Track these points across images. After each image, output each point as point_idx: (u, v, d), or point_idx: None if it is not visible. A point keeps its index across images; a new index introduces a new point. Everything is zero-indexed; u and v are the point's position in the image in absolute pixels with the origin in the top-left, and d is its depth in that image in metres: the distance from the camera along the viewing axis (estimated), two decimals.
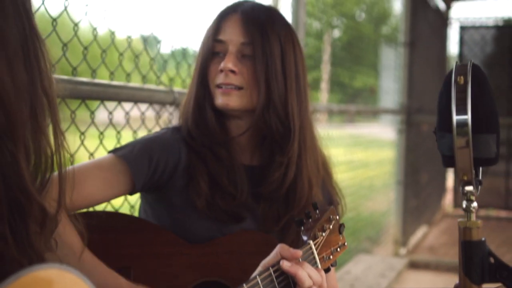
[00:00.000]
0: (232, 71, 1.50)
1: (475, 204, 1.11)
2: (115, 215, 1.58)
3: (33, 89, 0.84)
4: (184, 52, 2.48)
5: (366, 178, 5.39)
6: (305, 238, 1.35)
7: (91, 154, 1.89)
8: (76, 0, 1.79)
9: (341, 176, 2.44)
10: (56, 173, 0.90)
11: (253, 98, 1.52)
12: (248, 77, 1.51)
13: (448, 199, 8.47)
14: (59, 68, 1.70)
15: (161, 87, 2.23)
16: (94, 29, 1.92)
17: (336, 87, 4.85)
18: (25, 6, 0.86)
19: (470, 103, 1.09)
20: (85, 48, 1.87)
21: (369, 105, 5.73)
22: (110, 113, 2.00)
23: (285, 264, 1.26)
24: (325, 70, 4.77)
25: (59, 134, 0.88)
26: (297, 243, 1.36)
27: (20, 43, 0.84)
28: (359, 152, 5.05)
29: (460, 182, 1.09)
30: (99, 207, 1.58)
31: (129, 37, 2.09)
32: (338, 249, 1.43)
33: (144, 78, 2.20)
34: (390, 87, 5.94)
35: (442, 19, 7.80)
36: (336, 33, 5.28)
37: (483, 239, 1.14)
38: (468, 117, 1.08)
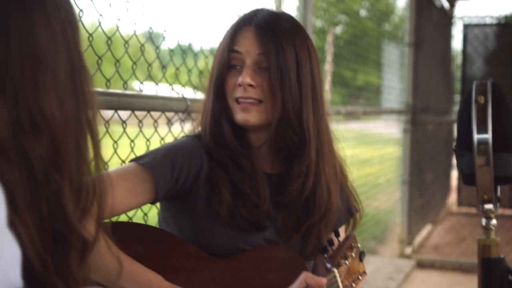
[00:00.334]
0: (251, 85, 1.50)
1: (494, 221, 1.12)
2: (137, 226, 1.57)
3: (79, 120, 0.86)
4: (188, 49, 2.47)
5: (370, 175, 5.39)
6: (329, 265, 1.35)
7: (106, 163, 1.90)
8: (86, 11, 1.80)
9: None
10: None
11: (271, 112, 1.52)
12: (267, 90, 1.51)
13: (452, 197, 8.47)
14: None
15: (174, 95, 2.24)
16: (109, 38, 1.92)
17: (339, 84, 4.85)
18: (75, 38, 0.87)
19: (490, 122, 1.10)
20: (100, 57, 1.88)
21: (372, 101, 5.73)
22: (124, 122, 2.01)
23: None
24: (329, 72, 4.78)
25: (100, 164, 0.90)
26: (317, 261, 1.37)
27: (70, 76, 0.85)
28: (363, 148, 5.04)
29: (479, 200, 1.11)
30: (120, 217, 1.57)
31: (134, 34, 2.09)
32: (360, 277, 1.43)
33: (149, 77, 2.20)
34: (393, 84, 5.95)
35: (447, 18, 7.79)
36: (339, 30, 5.27)
37: (502, 256, 1.15)
38: (489, 136, 1.10)
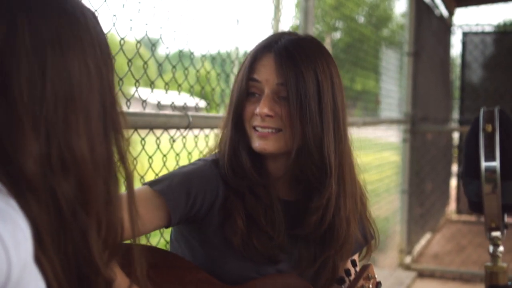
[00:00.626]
0: (269, 115, 1.46)
1: (501, 248, 1.12)
2: (148, 249, 1.53)
3: (109, 161, 0.86)
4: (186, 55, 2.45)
5: (369, 182, 5.38)
6: None
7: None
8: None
9: None
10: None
11: (290, 141, 1.47)
12: (286, 119, 1.46)
13: (451, 205, 8.48)
14: None
15: (176, 112, 2.24)
16: (121, 47, 1.92)
17: None
18: (109, 78, 0.87)
19: (498, 150, 1.10)
20: None
21: (370, 110, 5.72)
22: (143, 139, 2.02)
23: None
24: None
25: (133, 209, 0.90)
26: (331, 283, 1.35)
27: (102, 116, 0.85)
28: (362, 155, 5.02)
29: (487, 228, 1.11)
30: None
31: (138, 41, 2.08)
32: None
33: (152, 84, 2.19)
34: (392, 89, 5.95)
35: (446, 26, 7.81)
36: (337, 35, 5.27)
37: (509, 283, 1.15)
38: (496, 164, 1.09)
